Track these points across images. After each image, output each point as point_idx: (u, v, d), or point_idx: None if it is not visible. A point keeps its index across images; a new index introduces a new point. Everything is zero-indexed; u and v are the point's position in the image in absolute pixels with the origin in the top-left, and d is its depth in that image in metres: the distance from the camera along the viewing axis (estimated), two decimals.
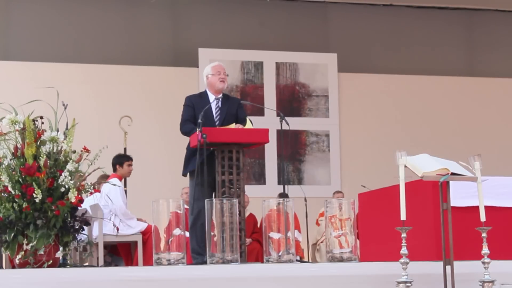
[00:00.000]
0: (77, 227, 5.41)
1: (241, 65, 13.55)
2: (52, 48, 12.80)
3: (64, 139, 5.45)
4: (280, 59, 13.70)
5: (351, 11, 14.11)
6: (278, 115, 7.43)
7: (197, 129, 6.76)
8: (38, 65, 12.58)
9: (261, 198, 6.43)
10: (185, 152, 7.30)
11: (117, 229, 8.14)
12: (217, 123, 7.20)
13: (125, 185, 9.82)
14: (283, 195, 7.47)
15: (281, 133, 7.32)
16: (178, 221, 5.44)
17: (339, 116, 13.84)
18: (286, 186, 7.85)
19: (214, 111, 7.24)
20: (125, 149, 10.91)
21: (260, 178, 13.35)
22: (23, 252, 5.19)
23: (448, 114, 14.17)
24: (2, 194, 5.27)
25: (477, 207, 4.89)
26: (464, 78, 14.38)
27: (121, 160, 9.34)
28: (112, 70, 12.91)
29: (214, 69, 7.31)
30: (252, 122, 7.37)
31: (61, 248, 5.31)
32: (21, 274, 4.83)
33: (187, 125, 7.20)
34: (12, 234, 5.21)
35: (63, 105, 5.82)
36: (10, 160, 5.32)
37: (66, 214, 5.31)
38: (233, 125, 7.12)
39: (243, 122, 7.24)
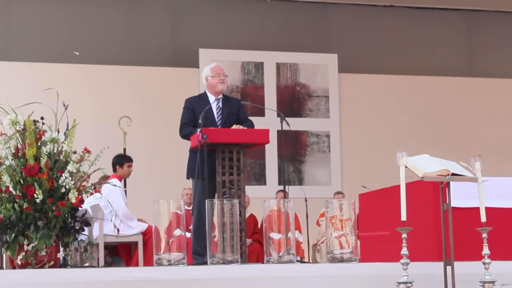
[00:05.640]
0: (78, 227, 5.42)
1: (241, 65, 13.55)
2: (52, 48, 12.80)
3: (65, 139, 5.46)
4: (280, 60, 13.70)
5: (351, 11, 14.12)
6: (278, 115, 7.42)
7: (198, 129, 6.75)
8: (38, 65, 12.58)
9: (261, 198, 6.45)
10: (184, 153, 7.30)
11: (118, 230, 8.13)
12: (219, 123, 7.18)
13: (125, 186, 9.82)
14: (283, 191, 7.46)
15: (281, 134, 7.30)
16: (179, 221, 5.45)
17: (340, 116, 13.85)
18: (286, 187, 7.84)
19: (215, 112, 7.22)
20: (124, 149, 10.91)
21: (260, 179, 13.35)
22: (24, 253, 5.20)
23: (448, 114, 14.17)
24: (3, 194, 5.28)
25: (477, 208, 4.90)
26: (464, 78, 14.39)
27: (122, 160, 9.32)
28: (112, 71, 12.91)
29: (214, 71, 7.27)
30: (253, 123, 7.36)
31: (61, 249, 5.32)
32: (22, 274, 4.84)
33: (186, 129, 7.17)
34: (13, 235, 5.22)
35: (64, 105, 5.82)
36: (11, 160, 5.32)
37: (66, 215, 5.32)
38: (235, 126, 7.11)
39: (247, 122, 7.22)
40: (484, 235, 4.80)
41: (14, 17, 12.80)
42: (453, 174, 4.83)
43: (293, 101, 13.70)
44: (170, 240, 5.39)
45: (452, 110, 14.19)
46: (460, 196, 5.58)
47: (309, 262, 10.78)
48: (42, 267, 5.17)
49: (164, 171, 12.43)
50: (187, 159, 7.22)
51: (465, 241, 5.39)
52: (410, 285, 4.61)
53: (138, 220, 9.11)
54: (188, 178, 7.20)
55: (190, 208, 7.83)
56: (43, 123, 5.43)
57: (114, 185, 8.16)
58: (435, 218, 5.42)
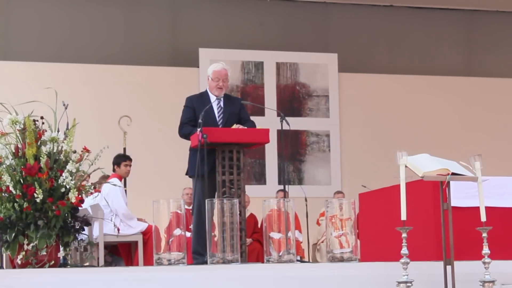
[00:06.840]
0: (78, 227, 5.42)
1: (241, 65, 13.55)
2: (52, 48, 12.81)
3: (64, 139, 5.45)
4: (280, 59, 13.70)
5: (351, 11, 14.12)
6: (278, 115, 7.41)
7: (198, 129, 6.75)
8: (38, 65, 12.58)
9: (261, 198, 6.45)
10: (185, 152, 7.29)
11: (118, 229, 8.13)
12: (220, 122, 7.17)
13: (125, 185, 9.82)
14: (283, 191, 7.44)
15: (281, 133, 7.30)
16: (179, 221, 5.45)
17: (340, 116, 13.84)
18: (286, 186, 7.84)
19: (216, 111, 7.20)
20: (124, 149, 10.91)
21: (260, 178, 13.35)
22: (24, 252, 5.20)
23: (448, 114, 14.17)
24: (3, 194, 5.27)
25: (477, 207, 4.90)
26: (463, 78, 14.39)
27: (119, 160, 9.34)
28: (112, 70, 12.91)
29: (215, 74, 7.22)
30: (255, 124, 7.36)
31: (61, 248, 5.32)
32: (22, 274, 4.84)
33: (185, 128, 7.15)
34: (13, 234, 5.22)
35: (64, 105, 5.82)
36: (11, 160, 5.32)
37: (66, 214, 5.32)
38: (235, 126, 7.10)
39: (249, 123, 7.21)
40: (484, 234, 4.80)
41: (14, 17, 12.79)
42: (453, 174, 4.83)
43: (293, 100, 13.70)
44: (170, 240, 5.39)
45: (452, 110, 14.19)
46: (460, 196, 5.58)
47: (309, 262, 10.78)
48: (42, 266, 5.17)
49: (164, 171, 12.42)
50: (187, 158, 7.22)
51: (465, 240, 5.39)
52: (410, 284, 4.61)
53: (138, 219, 9.11)
54: (187, 175, 7.20)
55: (190, 207, 7.83)
56: (43, 123, 5.43)
57: (114, 185, 8.16)
58: (435, 218, 5.42)
